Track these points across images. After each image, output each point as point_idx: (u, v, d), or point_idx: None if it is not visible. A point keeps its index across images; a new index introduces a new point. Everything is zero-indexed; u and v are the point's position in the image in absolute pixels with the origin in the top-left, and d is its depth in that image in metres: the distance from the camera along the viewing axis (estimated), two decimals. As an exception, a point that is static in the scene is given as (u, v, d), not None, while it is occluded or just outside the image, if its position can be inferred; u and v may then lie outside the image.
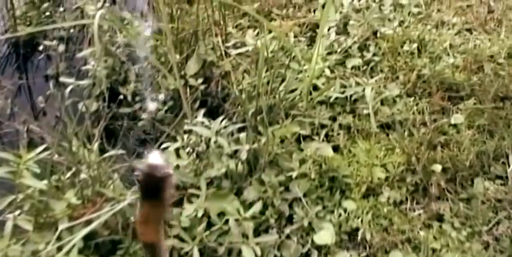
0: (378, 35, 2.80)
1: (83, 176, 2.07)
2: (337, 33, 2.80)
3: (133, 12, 2.95)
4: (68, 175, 2.08)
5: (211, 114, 2.47)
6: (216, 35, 2.82)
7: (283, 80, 2.53)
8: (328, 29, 2.79)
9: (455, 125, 2.43)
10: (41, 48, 3.07)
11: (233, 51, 2.70)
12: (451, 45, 2.73)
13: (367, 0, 3.00)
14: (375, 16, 2.87)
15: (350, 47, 2.74)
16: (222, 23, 2.84)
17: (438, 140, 2.36)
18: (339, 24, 2.86)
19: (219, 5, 2.84)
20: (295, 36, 2.82)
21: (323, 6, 2.98)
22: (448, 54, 2.68)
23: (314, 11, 3.02)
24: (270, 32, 2.65)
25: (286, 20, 2.93)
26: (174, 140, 2.28)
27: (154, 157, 1.22)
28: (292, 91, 2.50)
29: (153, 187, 1.27)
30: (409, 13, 2.92)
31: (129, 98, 2.76)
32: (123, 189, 2.10)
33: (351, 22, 2.84)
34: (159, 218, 1.38)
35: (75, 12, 3.24)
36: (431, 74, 2.58)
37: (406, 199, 2.22)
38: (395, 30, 2.77)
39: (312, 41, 2.84)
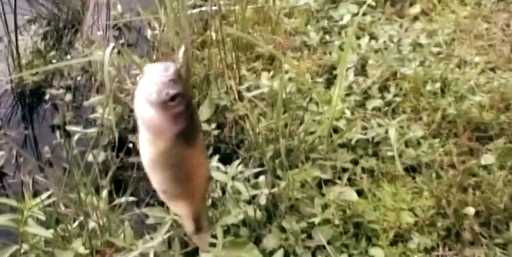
0: (398, 75, 2.78)
1: (91, 224, 2.02)
2: (355, 74, 2.78)
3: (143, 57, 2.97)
4: (76, 223, 2.03)
5: (225, 160, 2.42)
6: (229, 79, 2.81)
7: (301, 123, 2.49)
8: (346, 70, 2.77)
9: (485, 166, 2.36)
10: (47, 97, 3.07)
11: (247, 94, 2.67)
12: (475, 84, 2.69)
13: (384, 41, 2.99)
14: (394, 56, 2.85)
15: (370, 88, 2.71)
16: (235, 66, 2.83)
17: (468, 182, 2.29)
18: (357, 65, 2.85)
19: (232, 48, 2.84)
20: (311, 78, 2.81)
21: (340, 48, 2.99)
22: (474, 93, 2.64)
23: (330, 53, 3.01)
24: (286, 72, 2.64)
25: (301, 62, 2.92)
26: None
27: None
28: (312, 133, 2.46)
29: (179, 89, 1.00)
30: (429, 53, 2.90)
31: (139, 146, 2.72)
32: (134, 238, 2.03)
33: (370, 62, 2.83)
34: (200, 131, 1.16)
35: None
36: (457, 113, 2.54)
37: (438, 245, 2.14)
38: (416, 70, 2.74)
39: (329, 83, 2.82)
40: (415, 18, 3.24)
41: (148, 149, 1.06)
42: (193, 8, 3.21)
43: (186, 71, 0.93)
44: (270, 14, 3.19)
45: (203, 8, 3.19)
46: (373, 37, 3.06)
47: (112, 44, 1.99)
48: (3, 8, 3.12)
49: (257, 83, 2.76)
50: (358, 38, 3.05)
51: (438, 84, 2.70)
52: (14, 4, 3.08)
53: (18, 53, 3.13)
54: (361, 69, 2.86)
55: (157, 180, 1.12)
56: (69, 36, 3.49)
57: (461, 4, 3.30)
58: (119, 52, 3.18)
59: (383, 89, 2.74)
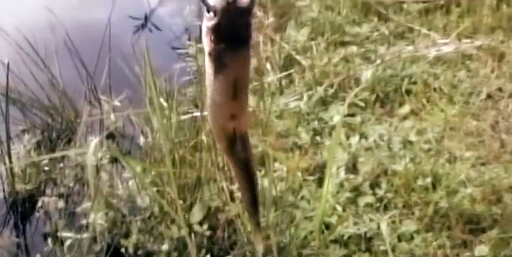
0: (389, 172, 2.95)
1: None
2: (346, 172, 2.95)
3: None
4: None
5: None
6: (221, 180, 2.97)
7: (292, 221, 2.63)
8: (337, 168, 2.95)
9: (480, 257, 2.48)
10: (39, 205, 3.22)
11: (239, 194, 2.83)
12: (466, 178, 2.85)
13: (375, 139, 3.19)
14: (385, 154, 3.04)
15: (361, 185, 2.87)
16: (226, 168, 3.01)
17: (464, 274, 2.41)
18: (348, 164, 3.02)
19: (223, 151, 3.03)
20: (302, 177, 2.97)
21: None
22: (465, 187, 2.80)
23: (321, 153, 3.20)
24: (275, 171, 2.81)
25: (292, 162, 3.09)
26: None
27: None
28: (303, 229, 2.59)
29: (237, 28, 1.02)
30: (419, 149, 3.09)
31: (131, 251, 2.84)
32: None
33: (360, 160, 3.01)
34: (248, 80, 1.12)
35: (75, 168, 3.45)
36: (449, 206, 2.69)
37: None
38: (407, 167, 2.92)
39: (320, 182, 2.97)
40: (405, 117, 3.46)
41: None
42: (185, 114, 3.44)
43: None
44: (260, 117, 3.41)
45: (195, 113, 3.41)
46: (363, 136, 3.26)
47: (97, 139, 2.17)
48: (-5, 118, 3.35)
49: (249, 183, 2.92)
50: (348, 137, 3.25)
51: (429, 179, 2.86)
52: (6, 114, 3.31)
53: (10, 162, 3.32)
54: (352, 168, 3.04)
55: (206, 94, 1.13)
56: (63, 145, 3.69)
57: (450, 103, 3.53)
58: (112, 161, 3.38)
59: (374, 185, 2.90)
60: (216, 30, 1.01)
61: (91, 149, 2.26)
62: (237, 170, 1.23)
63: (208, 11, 1.01)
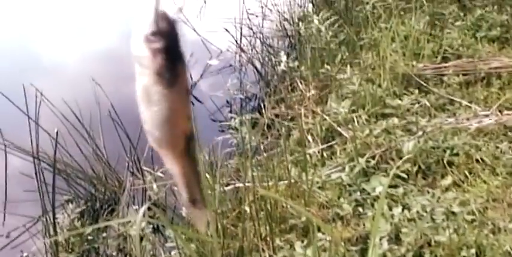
0: (432, 243, 3.04)
1: None
2: (389, 243, 3.05)
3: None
4: None
5: None
6: (263, 251, 3.09)
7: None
8: (380, 239, 3.05)
9: None
10: (83, 273, 3.38)
11: (282, 264, 2.95)
12: (511, 249, 2.93)
13: (417, 210, 3.29)
14: (427, 225, 3.14)
15: (404, 256, 2.96)
16: (269, 238, 3.14)
17: None
18: (391, 235, 3.12)
19: (266, 220, 3.17)
20: (345, 247, 3.08)
21: (373, 219, 3.29)
22: (510, 257, 2.89)
23: (363, 224, 3.31)
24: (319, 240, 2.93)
25: (335, 232, 3.21)
26: None
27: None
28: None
29: (179, 45, 1.24)
30: (462, 220, 3.18)
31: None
32: None
33: (403, 230, 3.11)
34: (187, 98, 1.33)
35: (117, 239, 3.60)
36: (494, 277, 2.77)
37: None
38: (451, 237, 3.01)
39: (363, 253, 3.08)
40: (447, 189, 3.55)
41: (138, 82, 1.31)
42: (228, 185, 3.61)
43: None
44: (302, 188, 3.55)
45: (237, 184, 3.58)
46: (406, 207, 3.36)
47: (143, 208, 2.31)
48: (40, 188, 3.54)
49: (291, 253, 3.04)
50: (391, 208, 3.36)
51: (473, 250, 2.94)
52: (53, 184, 3.50)
53: (55, 231, 3.49)
54: (395, 239, 3.13)
55: (144, 117, 1.32)
56: (106, 215, 3.86)
57: (493, 174, 3.62)
58: (154, 231, 3.54)
59: (418, 256, 2.99)
60: (165, 51, 1.21)
61: (139, 218, 2.40)
62: (189, 165, 1.39)
63: (153, 35, 1.24)
